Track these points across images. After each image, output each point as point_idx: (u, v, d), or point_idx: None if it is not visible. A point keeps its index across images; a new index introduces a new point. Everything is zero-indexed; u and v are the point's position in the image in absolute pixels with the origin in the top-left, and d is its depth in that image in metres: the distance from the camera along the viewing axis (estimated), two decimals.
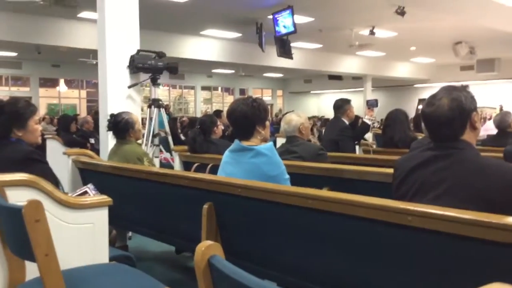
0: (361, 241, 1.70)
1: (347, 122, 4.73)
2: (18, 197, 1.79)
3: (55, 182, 2.35)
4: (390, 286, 1.62)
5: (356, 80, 18.89)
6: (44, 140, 5.81)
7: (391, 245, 1.60)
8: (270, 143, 2.39)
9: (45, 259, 1.49)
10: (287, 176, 2.36)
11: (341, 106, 4.77)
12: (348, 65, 16.35)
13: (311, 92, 23.38)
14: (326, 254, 1.84)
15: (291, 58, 10.38)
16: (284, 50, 10.04)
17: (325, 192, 1.89)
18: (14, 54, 15.40)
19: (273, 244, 2.08)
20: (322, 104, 22.68)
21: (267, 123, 2.46)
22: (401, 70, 17.83)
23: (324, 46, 13.97)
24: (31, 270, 1.79)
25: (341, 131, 4.66)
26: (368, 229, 1.65)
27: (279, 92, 25.03)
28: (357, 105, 7.10)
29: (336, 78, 18.27)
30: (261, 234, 2.13)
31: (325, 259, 1.85)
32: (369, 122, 4.89)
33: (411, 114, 5.46)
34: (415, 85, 19.54)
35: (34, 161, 2.32)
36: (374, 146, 5.27)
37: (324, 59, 15.64)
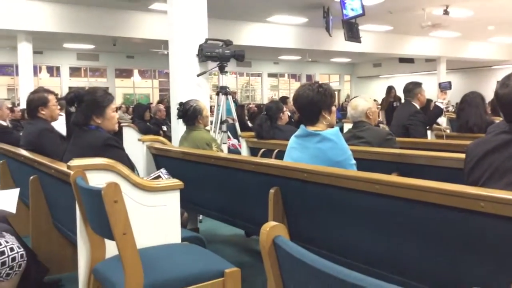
0: (431, 228, 1.65)
1: (418, 106, 4.56)
2: (97, 180, 1.92)
3: (131, 166, 2.49)
4: (461, 273, 1.57)
5: (429, 62, 18.07)
6: (120, 127, 6.13)
7: (463, 232, 1.54)
8: (336, 128, 2.37)
9: (123, 238, 1.59)
10: (353, 162, 2.34)
11: (411, 89, 4.60)
12: (420, 47, 15.66)
13: (380, 76, 22.69)
14: (394, 240, 1.81)
15: (359, 41, 10.12)
16: (352, 33, 9.81)
17: (393, 177, 1.85)
18: (92, 46, 16.32)
19: (339, 229, 2.08)
20: None
21: (333, 108, 2.44)
22: (478, 51, 16.80)
23: (395, 28, 13.48)
24: (109, 249, 1.93)
25: (412, 115, 4.50)
26: (438, 215, 1.60)
27: (347, 77, 24.54)
28: (430, 89, 6.81)
29: (407, 61, 17.59)
30: (328, 219, 2.13)
31: (393, 245, 1.82)
32: (441, 106, 4.68)
33: (489, 97, 5.15)
34: (494, 67, 18.36)
35: (111, 147, 2.47)
36: (448, 131, 5.04)
37: (394, 42, 15.09)
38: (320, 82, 2.45)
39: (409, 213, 1.72)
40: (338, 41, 11.60)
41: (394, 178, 1.83)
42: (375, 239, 1.89)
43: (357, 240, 1.98)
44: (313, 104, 2.34)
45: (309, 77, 22.53)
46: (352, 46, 11.67)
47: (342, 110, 12.69)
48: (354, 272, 0.76)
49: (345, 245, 2.05)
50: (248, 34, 12.67)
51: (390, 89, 9.45)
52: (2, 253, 1.98)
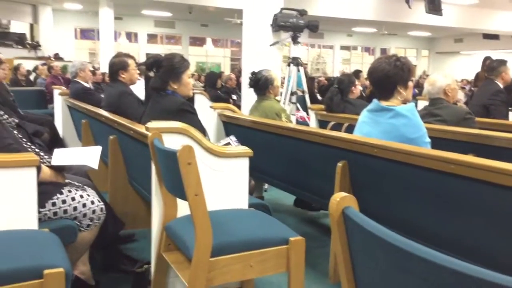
0: (508, 212, 1.58)
1: (501, 86, 4.29)
2: (172, 142, 2.00)
3: (203, 132, 2.57)
4: None
5: None
6: (193, 95, 6.30)
7: None
8: (411, 104, 2.30)
9: (194, 199, 1.67)
10: (428, 140, 2.26)
11: (495, 67, 4.33)
12: (508, 22, 14.57)
13: (461, 52, 21.41)
14: (465, 222, 1.76)
15: (441, 14, 9.58)
16: (434, 6, 9.28)
17: (471, 158, 1.77)
18: (169, 14, 16.73)
19: (407, 207, 2.04)
20: (473, 66, 20.66)
21: (410, 83, 2.35)
22: None
23: (481, 1, 12.59)
24: (181, 209, 2.03)
25: (494, 95, 4.24)
26: None
27: (425, 52, 23.41)
28: None
29: (492, 37, 16.46)
30: (396, 196, 2.10)
31: (463, 227, 1.77)
32: None
33: None
34: None
35: (186, 112, 2.56)
36: None
37: (479, 16, 14.14)
38: (398, 55, 2.37)
39: (485, 196, 1.65)
40: (418, 14, 11.05)
41: (471, 158, 1.75)
42: (445, 220, 1.84)
43: (425, 220, 1.94)
44: (389, 78, 2.28)
45: (383, 51, 21.76)
46: (432, 20, 11.08)
47: (418, 86, 12.16)
48: (424, 247, 0.75)
49: (412, 224, 2.01)
50: (322, 4, 12.40)
51: (485, 60, 8.69)
52: (84, 205, 2.14)
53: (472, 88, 7.17)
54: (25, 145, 2.22)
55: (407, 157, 1.91)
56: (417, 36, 21.19)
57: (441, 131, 2.79)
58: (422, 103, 4.51)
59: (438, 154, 1.80)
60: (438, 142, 2.40)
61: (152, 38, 19.66)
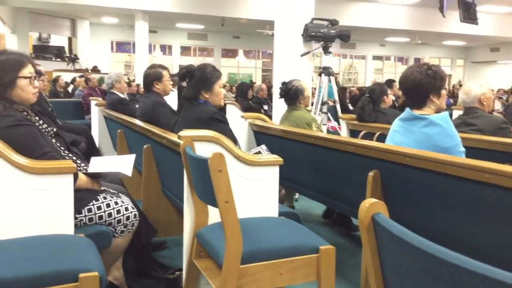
0: None
1: None
2: (204, 151, 2.04)
3: (234, 140, 2.60)
4: None
5: None
6: (224, 105, 6.37)
7: None
8: (445, 113, 2.26)
9: (225, 206, 1.69)
10: (463, 149, 2.21)
11: None
12: None
13: (498, 62, 20.84)
14: (500, 232, 1.71)
15: (476, 23, 9.37)
16: (469, 14, 9.09)
17: (506, 167, 1.73)
18: (201, 27, 17.05)
19: (440, 217, 2.00)
20: (511, 75, 20.08)
21: (443, 92, 2.32)
22: None
23: None
24: (212, 216, 2.05)
25: None
26: None
27: (460, 62, 22.91)
28: None
29: None
30: (428, 206, 2.06)
31: (498, 237, 1.72)
32: None
33: None
34: None
35: (217, 121, 2.60)
36: None
37: None
38: (429, 63, 2.34)
39: None
40: (452, 23, 10.85)
41: (506, 167, 1.71)
42: (479, 230, 1.79)
43: (458, 230, 1.89)
44: (421, 87, 2.25)
45: (417, 60, 21.46)
46: (467, 28, 10.86)
47: (453, 96, 11.91)
48: (453, 252, 0.75)
49: (445, 234, 1.97)
50: (354, 14, 12.36)
51: None
52: (118, 211, 2.19)
53: (509, 98, 6.98)
54: (63, 153, 2.30)
55: (440, 166, 1.88)
56: (451, 45, 20.79)
57: (477, 140, 2.73)
58: (457, 113, 4.42)
59: (472, 163, 1.76)
60: (473, 151, 2.35)
61: (185, 50, 20.03)
